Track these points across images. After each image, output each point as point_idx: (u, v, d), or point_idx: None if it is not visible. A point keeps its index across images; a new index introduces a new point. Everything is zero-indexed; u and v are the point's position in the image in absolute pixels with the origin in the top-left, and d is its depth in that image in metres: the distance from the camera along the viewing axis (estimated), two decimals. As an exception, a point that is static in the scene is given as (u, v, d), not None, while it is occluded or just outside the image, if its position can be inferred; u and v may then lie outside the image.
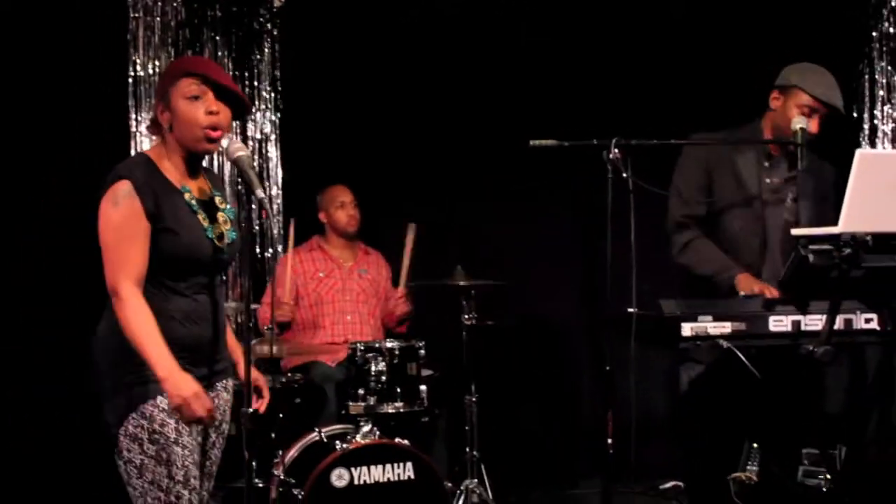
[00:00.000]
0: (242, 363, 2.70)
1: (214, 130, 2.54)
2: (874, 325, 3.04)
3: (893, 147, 5.02)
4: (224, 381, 2.72)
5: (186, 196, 2.57)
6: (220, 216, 2.64)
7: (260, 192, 2.52)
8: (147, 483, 2.47)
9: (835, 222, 3.39)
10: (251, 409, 2.63)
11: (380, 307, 4.71)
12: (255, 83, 4.97)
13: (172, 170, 2.57)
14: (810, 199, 3.53)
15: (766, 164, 3.54)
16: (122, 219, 2.44)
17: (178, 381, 2.41)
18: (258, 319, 4.49)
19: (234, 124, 4.87)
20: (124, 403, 2.47)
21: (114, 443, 2.50)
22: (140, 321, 2.41)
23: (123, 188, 2.45)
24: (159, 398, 2.47)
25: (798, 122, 3.37)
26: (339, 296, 4.58)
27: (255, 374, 2.75)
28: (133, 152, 4.45)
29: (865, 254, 2.78)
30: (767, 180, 3.52)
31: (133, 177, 2.47)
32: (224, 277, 2.72)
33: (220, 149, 2.59)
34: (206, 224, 2.58)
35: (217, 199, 2.67)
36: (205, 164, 2.75)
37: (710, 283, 3.44)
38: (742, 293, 3.26)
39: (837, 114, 3.45)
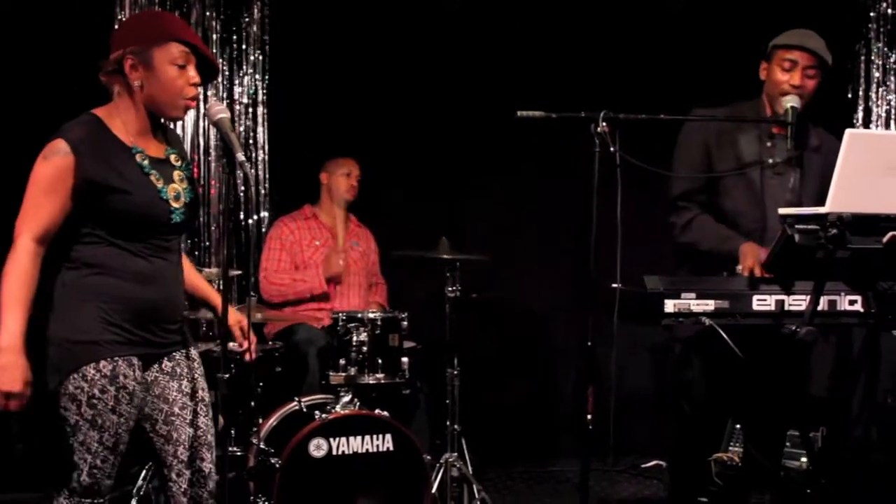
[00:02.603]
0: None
1: (193, 101, 2.55)
2: (858, 306, 3.02)
3: (888, 129, 4.99)
4: (185, 350, 2.67)
5: (138, 157, 2.52)
6: (177, 175, 2.60)
7: (240, 155, 2.52)
8: (77, 443, 2.46)
9: None
10: (227, 375, 2.62)
11: (368, 280, 4.69)
12: (244, 46, 4.90)
13: (123, 129, 2.53)
14: (816, 178, 3.46)
15: (769, 143, 3.49)
16: (44, 173, 2.41)
17: (4, 362, 2.33)
18: (261, 290, 4.48)
19: (220, 88, 4.85)
20: (67, 361, 2.44)
21: (49, 397, 2.46)
22: (14, 279, 2.37)
23: (57, 145, 2.42)
24: (102, 363, 2.45)
25: (789, 101, 3.33)
26: (333, 266, 4.57)
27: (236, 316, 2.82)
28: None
29: (851, 235, 2.74)
30: (770, 160, 3.47)
31: (70, 136, 2.43)
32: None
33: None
34: (159, 185, 2.54)
35: (173, 157, 2.63)
36: (181, 124, 2.72)
37: (713, 256, 3.40)
38: (738, 267, 3.21)
39: (824, 66, 3.38)
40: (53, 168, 2.41)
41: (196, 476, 2.62)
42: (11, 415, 2.43)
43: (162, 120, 2.64)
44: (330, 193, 4.65)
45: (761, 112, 3.48)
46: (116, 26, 4.53)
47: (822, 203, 3.05)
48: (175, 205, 2.56)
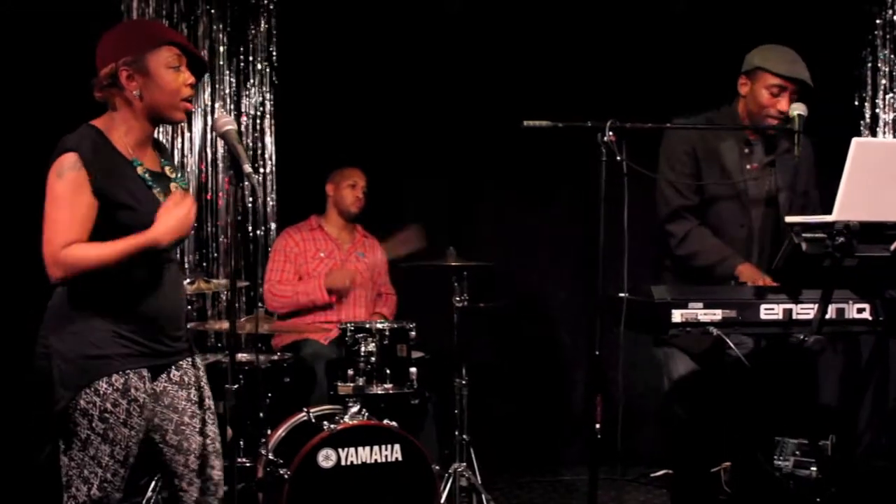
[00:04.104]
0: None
1: (190, 102, 2.57)
2: (866, 314, 3.01)
3: (895, 137, 4.98)
4: (190, 358, 2.67)
5: (139, 170, 2.52)
6: (173, 187, 2.61)
7: (248, 167, 2.51)
8: (88, 457, 2.46)
9: (815, 204, 3.37)
10: (235, 386, 2.62)
11: (375, 290, 4.69)
12: (251, 58, 4.92)
13: (122, 142, 2.52)
14: (789, 184, 3.50)
15: (746, 150, 3.51)
16: (64, 190, 2.39)
17: (159, 220, 2.42)
18: (265, 301, 4.49)
19: (228, 100, 4.86)
20: (78, 376, 2.44)
21: (59, 414, 2.45)
22: (95, 247, 2.38)
23: (69, 160, 2.41)
24: (115, 377, 2.46)
25: (795, 109, 3.33)
26: (338, 277, 4.56)
27: None
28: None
29: (859, 243, 2.74)
30: (748, 166, 3.49)
31: (80, 149, 2.42)
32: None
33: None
34: (161, 198, 2.53)
35: (167, 169, 2.63)
36: (189, 136, 2.74)
37: (711, 273, 3.40)
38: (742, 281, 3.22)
39: (807, 89, 3.40)
40: (70, 182, 2.40)
41: (206, 484, 2.62)
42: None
43: (155, 132, 2.65)
44: (336, 205, 4.65)
45: (738, 120, 3.51)
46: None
47: (796, 207, 3.05)
48: None
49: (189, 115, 2.61)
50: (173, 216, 2.44)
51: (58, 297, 2.49)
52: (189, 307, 3.07)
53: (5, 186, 4.27)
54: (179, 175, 2.66)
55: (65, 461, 2.47)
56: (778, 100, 3.38)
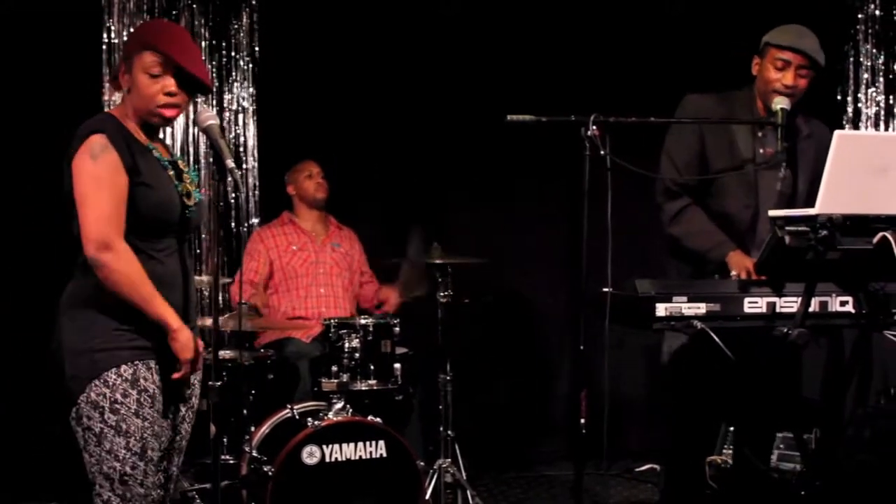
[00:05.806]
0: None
1: (169, 109, 2.55)
2: (849, 307, 3.02)
3: (877, 130, 5.00)
4: None
5: (154, 153, 2.57)
6: (185, 177, 2.64)
7: (230, 162, 2.54)
8: (104, 452, 2.47)
9: None
10: (219, 383, 2.62)
11: (353, 281, 4.68)
12: (233, 54, 4.88)
13: (136, 129, 2.57)
14: (809, 166, 3.46)
15: (760, 133, 3.49)
16: (102, 171, 2.42)
17: (188, 338, 2.49)
18: (229, 296, 4.46)
19: (210, 95, 4.82)
20: (88, 369, 2.46)
21: (73, 408, 2.48)
22: (139, 275, 2.43)
23: (99, 141, 2.44)
24: (123, 367, 2.47)
25: (779, 103, 3.33)
26: (313, 269, 4.55)
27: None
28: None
29: (842, 236, 2.74)
30: (761, 150, 3.47)
31: (106, 130, 2.45)
32: (194, 246, 2.70)
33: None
34: (175, 181, 2.58)
35: (180, 163, 2.67)
36: (170, 130, 2.76)
37: (701, 256, 3.40)
38: (733, 272, 3.22)
39: (817, 66, 3.38)
40: (107, 164, 2.43)
41: (161, 477, 2.61)
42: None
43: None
44: (302, 199, 4.66)
45: (753, 104, 3.49)
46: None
47: (818, 189, 3.04)
48: (189, 202, 2.60)
49: (163, 119, 2.59)
50: (187, 347, 2.50)
51: (67, 292, 2.52)
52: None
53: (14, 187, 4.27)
54: (189, 170, 2.69)
55: (87, 458, 2.49)
56: (783, 73, 3.36)
